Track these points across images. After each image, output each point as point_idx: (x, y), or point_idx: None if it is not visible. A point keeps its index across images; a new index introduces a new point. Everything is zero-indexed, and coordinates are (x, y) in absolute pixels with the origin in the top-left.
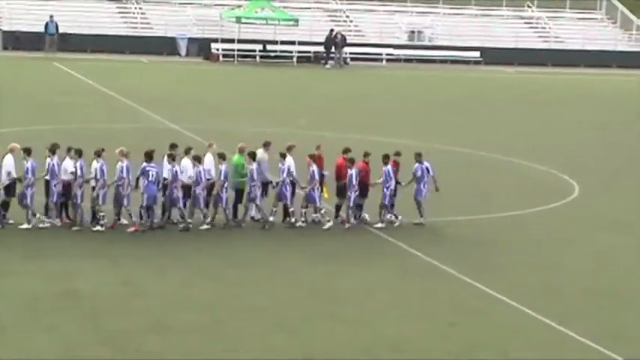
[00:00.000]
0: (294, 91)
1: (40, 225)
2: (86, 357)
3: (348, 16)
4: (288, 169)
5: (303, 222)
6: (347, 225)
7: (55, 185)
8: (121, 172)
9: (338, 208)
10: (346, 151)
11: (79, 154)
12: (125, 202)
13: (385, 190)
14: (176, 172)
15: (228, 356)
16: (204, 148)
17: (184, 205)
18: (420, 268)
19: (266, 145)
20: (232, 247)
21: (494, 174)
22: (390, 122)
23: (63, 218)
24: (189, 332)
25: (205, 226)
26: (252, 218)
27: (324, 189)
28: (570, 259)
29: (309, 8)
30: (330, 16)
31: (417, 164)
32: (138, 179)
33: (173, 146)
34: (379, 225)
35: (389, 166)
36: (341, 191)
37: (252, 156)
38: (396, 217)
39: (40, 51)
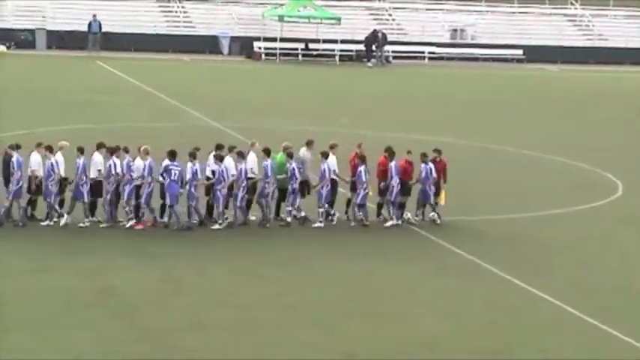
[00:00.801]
0: (336, 90)
1: (81, 224)
2: (123, 354)
3: (390, 15)
4: (328, 168)
5: (320, 222)
6: (388, 223)
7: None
8: (143, 170)
9: (380, 206)
10: (388, 149)
11: (110, 151)
12: (144, 199)
13: (426, 188)
14: (196, 170)
15: (265, 354)
16: (247, 146)
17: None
18: (460, 265)
19: (309, 144)
20: (271, 245)
21: (537, 172)
22: (432, 120)
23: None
24: (227, 330)
25: (217, 226)
26: (295, 217)
27: (370, 186)
28: (613, 257)
29: (352, 7)
30: (372, 14)
31: (422, 164)
32: (163, 177)
33: (219, 147)
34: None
35: (429, 165)
36: (382, 190)
37: (290, 155)
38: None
39: (83, 50)
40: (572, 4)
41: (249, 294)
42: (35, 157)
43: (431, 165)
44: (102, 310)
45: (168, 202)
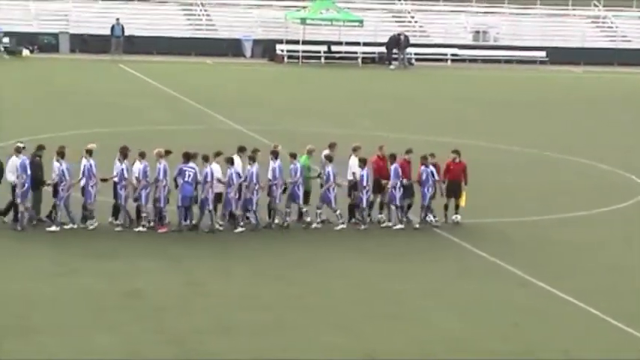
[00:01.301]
0: (359, 92)
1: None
2: (149, 356)
3: (412, 17)
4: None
5: (318, 223)
6: (416, 225)
7: (121, 188)
8: (158, 173)
9: (409, 207)
10: (408, 151)
11: (123, 155)
12: (161, 203)
13: (425, 190)
14: (206, 173)
15: (289, 356)
16: (270, 149)
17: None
18: (483, 268)
19: (331, 147)
20: (295, 247)
21: (560, 174)
22: (455, 122)
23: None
24: (252, 332)
25: (240, 229)
26: (323, 221)
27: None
28: (636, 259)
29: (374, 9)
30: (394, 16)
31: (421, 167)
32: (175, 179)
33: (241, 149)
34: (417, 225)
35: (430, 167)
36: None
37: (330, 159)
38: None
39: (106, 53)
40: (595, 5)
41: (271, 296)
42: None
43: (432, 168)
44: (128, 313)
45: (180, 203)
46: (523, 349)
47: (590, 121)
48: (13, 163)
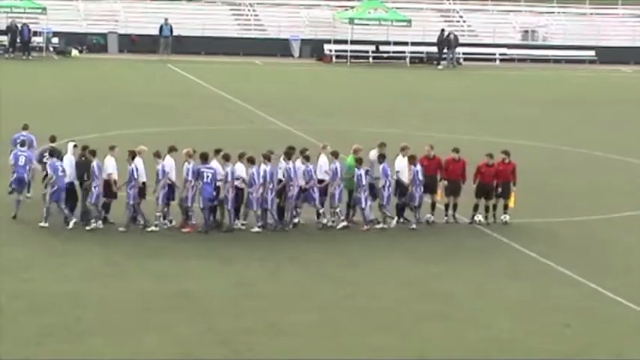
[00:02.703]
0: (407, 92)
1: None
2: (200, 357)
3: (461, 16)
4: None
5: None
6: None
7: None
8: (187, 173)
9: (452, 206)
10: (455, 150)
11: (132, 155)
12: (189, 202)
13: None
14: (227, 173)
15: (340, 356)
16: (319, 149)
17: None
18: (533, 268)
19: (381, 146)
20: (344, 248)
21: (611, 174)
22: (504, 122)
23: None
24: (302, 333)
25: (256, 229)
26: (372, 221)
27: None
28: None
29: (422, 9)
30: (442, 16)
31: (410, 166)
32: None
33: (290, 149)
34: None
35: (417, 167)
36: (453, 190)
37: (360, 161)
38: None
39: (154, 53)
40: None
41: (321, 296)
42: (110, 161)
43: (419, 167)
44: (177, 314)
45: (200, 204)
46: (575, 351)
47: (639, 121)
48: (108, 162)
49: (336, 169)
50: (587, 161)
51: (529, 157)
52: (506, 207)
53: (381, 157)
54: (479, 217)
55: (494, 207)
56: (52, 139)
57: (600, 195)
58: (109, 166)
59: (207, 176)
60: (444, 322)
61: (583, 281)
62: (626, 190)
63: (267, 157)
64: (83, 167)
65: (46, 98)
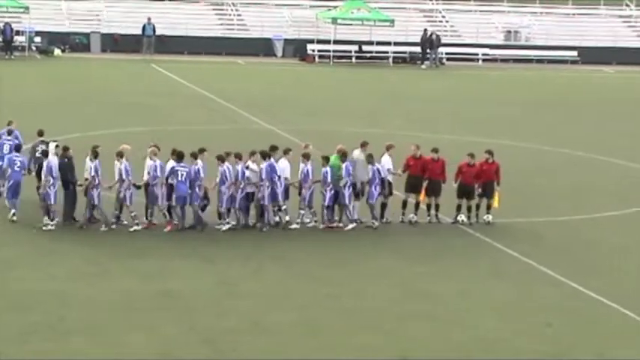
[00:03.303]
0: (390, 92)
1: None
2: (182, 357)
3: (444, 17)
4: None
5: (297, 224)
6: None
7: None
8: (155, 170)
9: (434, 206)
10: (435, 150)
11: (95, 154)
12: (159, 201)
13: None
14: (198, 169)
15: (323, 355)
16: (301, 149)
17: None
18: (516, 268)
19: (363, 145)
20: (327, 248)
21: (593, 174)
22: (486, 122)
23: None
24: (285, 332)
25: (226, 226)
26: (356, 221)
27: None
28: None
29: (405, 8)
30: (425, 16)
31: (369, 166)
32: (167, 179)
33: (273, 148)
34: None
35: (376, 166)
36: (433, 190)
37: (345, 155)
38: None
39: (137, 53)
40: (627, 5)
41: (304, 296)
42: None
43: (378, 166)
44: (161, 313)
45: (174, 202)
46: (557, 350)
47: (621, 122)
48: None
49: (307, 171)
50: (569, 161)
51: (511, 157)
52: (489, 207)
53: (370, 157)
54: (462, 217)
55: (477, 207)
56: (40, 133)
57: (583, 195)
58: (91, 168)
59: (182, 175)
60: (427, 321)
61: (565, 281)
62: (608, 190)
63: (238, 156)
64: (66, 168)
65: (28, 98)
